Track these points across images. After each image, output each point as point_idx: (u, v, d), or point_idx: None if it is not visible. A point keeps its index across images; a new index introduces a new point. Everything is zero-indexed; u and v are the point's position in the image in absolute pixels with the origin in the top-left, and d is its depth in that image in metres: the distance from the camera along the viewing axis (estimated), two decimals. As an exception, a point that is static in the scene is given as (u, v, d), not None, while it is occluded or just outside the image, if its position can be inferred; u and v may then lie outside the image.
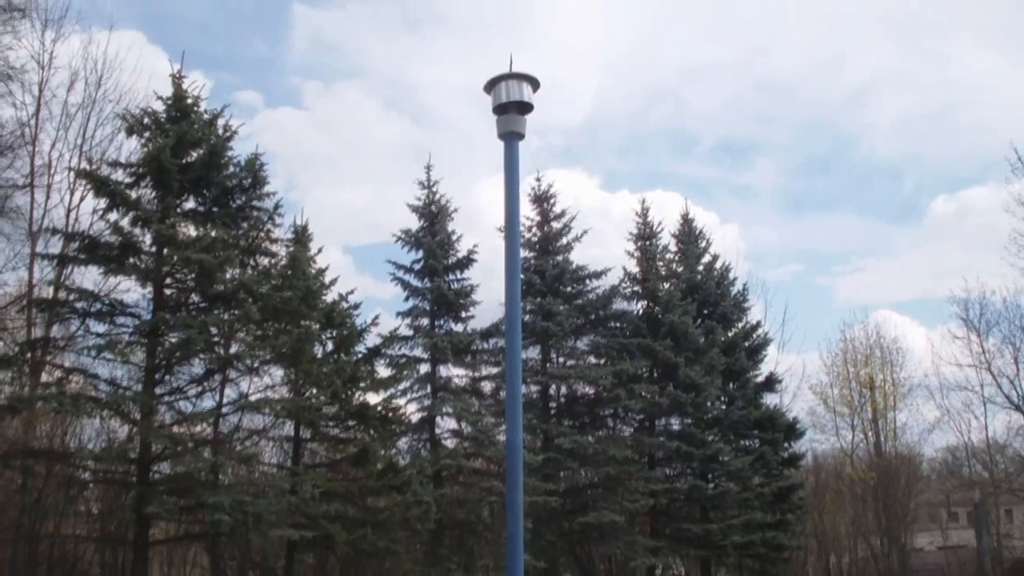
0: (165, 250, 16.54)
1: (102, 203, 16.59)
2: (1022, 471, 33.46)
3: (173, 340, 16.54)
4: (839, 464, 38.67)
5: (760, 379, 30.25)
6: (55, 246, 18.78)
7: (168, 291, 17.13)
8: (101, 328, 17.01)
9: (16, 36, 16.36)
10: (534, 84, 8.90)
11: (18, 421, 17.77)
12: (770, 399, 30.72)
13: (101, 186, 16.49)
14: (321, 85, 72.04)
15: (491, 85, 8.97)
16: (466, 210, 47.14)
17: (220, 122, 17.95)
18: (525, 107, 8.90)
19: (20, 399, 16.13)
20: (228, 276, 17.17)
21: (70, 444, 20.47)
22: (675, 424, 27.59)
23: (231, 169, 17.90)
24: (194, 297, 17.58)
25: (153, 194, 17.06)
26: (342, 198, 64.67)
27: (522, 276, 24.60)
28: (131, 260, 16.65)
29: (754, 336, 30.63)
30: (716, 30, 71.15)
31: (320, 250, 21.04)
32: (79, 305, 16.99)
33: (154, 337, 16.35)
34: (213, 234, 16.72)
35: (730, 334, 29.49)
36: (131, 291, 17.55)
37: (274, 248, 18.35)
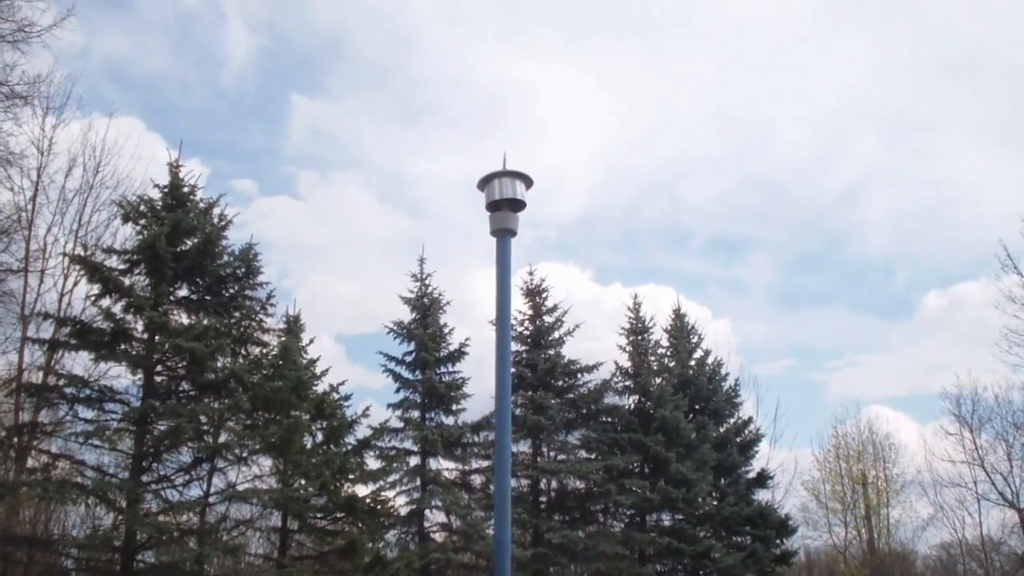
0: (157, 337, 16.47)
1: (95, 289, 16.58)
2: (1018, 569, 33.08)
3: (162, 428, 16.34)
4: (832, 561, 38.25)
5: (752, 475, 30.06)
6: (46, 331, 18.79)
7: (158, 378, 17.01)
8: (89, 414, 16.87)
9: (17, 122, 16.64)
10: (527, 182, 8.87)
11: (1, 506, 17.49)
12: (762, 495, 30.53)
13: (95, 272, 16.52)
14: (317, 175, 72.90)
15: (484, 182, 8.93)
16: (459, 302, 47.38)
17: (216, 211, 18.12)
18: (518, 204, 8.84)
19: (4, 485, 15.95)
20: (219, 365, 17.11)
21: (53, 531, 20.18)
22: (666, 520, 27.28)
23: (225, 258, 17.98)
24: (184, 385, 17.47)
25: (146, 281, 17.07)
26: (335, 288, 64.91)
27: (513, 370, 24.66)
28: (122, 347, 16.58)
29: (746, 431, 30.54)
30: (710, 127, 72.58)
31: (312, 340, 21.03)
32: (68, 390, 16.81)
33: (143, 424, 16.17)
34: (205, 322, 16.67)
35: (722, 429, 29.41)
36: (121, 377, 17.55)
37: (266, 338, 18.29)
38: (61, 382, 17.03)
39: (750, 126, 75.31)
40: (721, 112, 72.73)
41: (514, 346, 26.29)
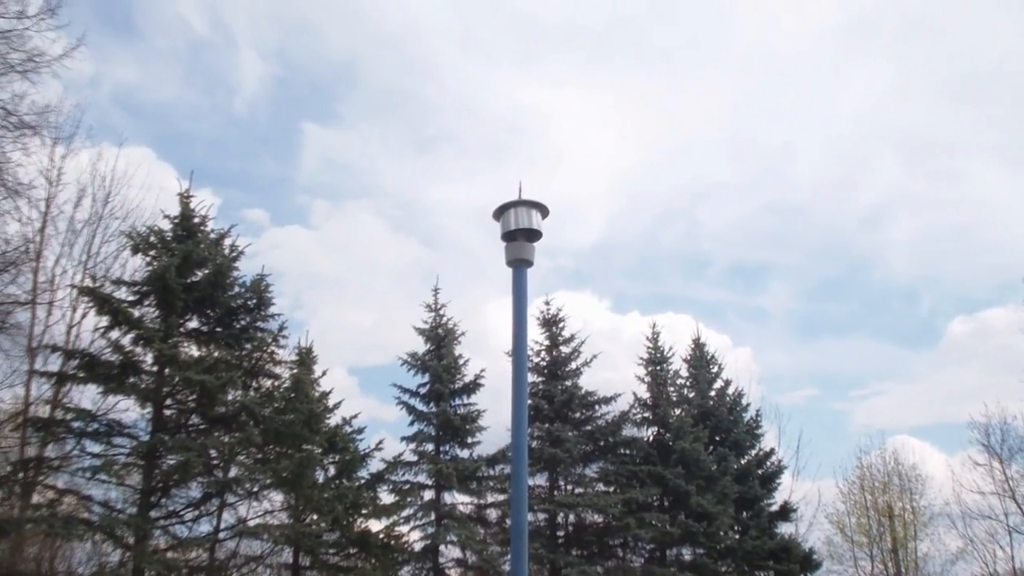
0: (166, 370, 16.39)
1: (104, 321, 16.55)
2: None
3: (171, 462, 16.23)
4: (858, 596, 37.44)
5: (774, 508, 29.54)
6: (54, 363, 18.71)
7: (168, 412, 16.92)
8: (97, 448, 16.75)
9: (26, 152, 16.51)
10: (543, 211, 8.77)
11: (6, 543, 17.32)
12: (785, 528, 29.95)
13: (103, 304, 16.44)
14: (330, 204, 72.58)
15: (500, 212, 8.85)
16: (473, 332, 46.96)
17: (227, 242, 18.16)
18: (534, 234, 8.76)
19: (9, 521, 15.77)
20: (230, 398, 17.07)
21: (59, 568, 19.97)
22: (687, 554, 26.77)
23: (236, 289, 17.99)
24: (194, 419, 17.35)
25: (156, 313, 17.03)
26: (348, 318, 64.48)
27: (530, 401, 24.29)
28: (131, 379, 16.44)
29: (768, 463, 30.06)
30: (727, 151, 71.89)
31: (324, 373, 20.98)
32: (75, 424, 16.70)
33: (151, 459, 16.05)
34: (216, 355, 16.67)
35: (743, 461, 28.94)
36: (130, 411, 17.32)
37: (277, 370, 18.28)
38: (68, 416, 16.94)
39: (768, 150, 74.70)
40: (739, 136, 72.15)
41: (530, 377, 25.86)
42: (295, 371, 18.80)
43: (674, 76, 74.27)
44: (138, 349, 16.54)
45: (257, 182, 77.65)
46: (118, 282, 17.77)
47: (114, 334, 16.48)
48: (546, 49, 72.67)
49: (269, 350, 18.13)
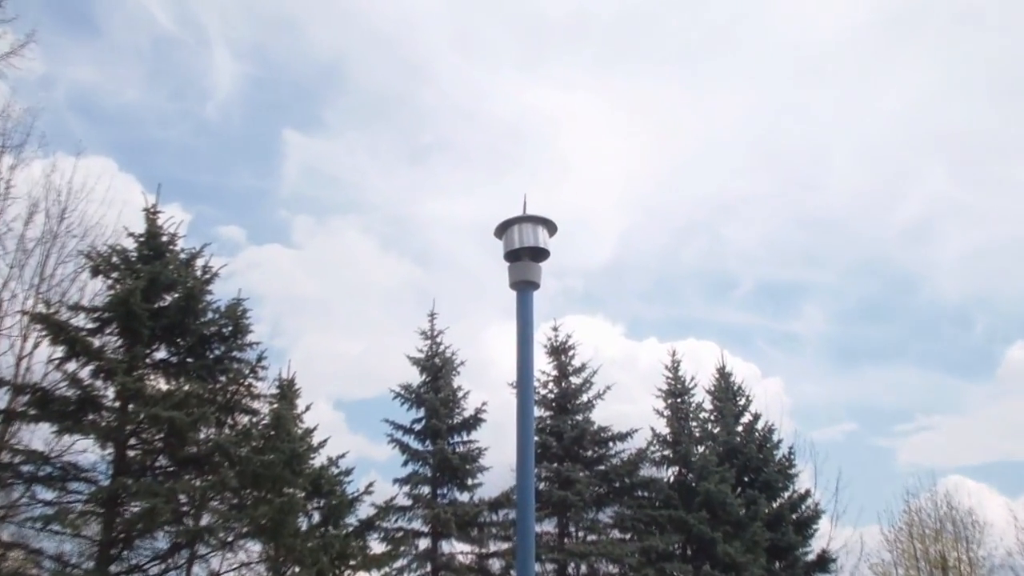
0: (130, 406, 16.18)
1: (59, 351, 16.32)
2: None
3: (135, 509, 15.97)
4: (907, 657, 37.03)
5: (811, 557, 29.28)
6: (1, 400, 18.40)
7: (131, 453, 16.72)
8: (50, 495, 16.51)
9: (-33, 163, 16.35)
10: (550, 227, 8.81)
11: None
12: (823, 581, 29.69)
13: (59, 332, 16.25)
14: (313, 220, 72.39)
15: (502, 228, 8.90)
16: (474, 362, 46.79)
17: (199, 262, 18.05)
18: (540, 253, 8.80)
19: (-54, 579, 15.61)
20: (202, 436, 16.95)
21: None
22: (713, 610, 26.63)
23: (209, 315, 17.87)
24: (161, 460, 17.18)
25: (119, 342, 16.88)
26: (334, 347, 64.20)
27: (536, 438, 24.20)
28: (90, 417, 16.27)
29: (803, 507, 29.81)
30: (754, 160, 71.50)
31: (308, 407, 20.81)
32: (25, 468, 16.45)
33: (112, 506, 15.82)
34: (186, 388, 16.52)
35: (775, 505, 28.71)
36: (88, 452, 17.10)
37: (256, 405, 18.18)
38: (17, 459, 16.62)
39: (799, 158, 74.52)
40: (766, 143, 71.99)
41: (537, 411, 26.09)
42: (275, 406, 18.62)
43: (693, 76, 74.42)
44: (98, 383, 16.36)
45: (232, 196, 77.54)
46: (75, 308, 17.52)
47: (71, 366, 16.27)
48: (553, 48, 72.90)
49: (246, 383, 18.02)
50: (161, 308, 17.17)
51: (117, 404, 16.46)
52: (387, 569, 20.75)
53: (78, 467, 16.75)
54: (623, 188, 73.58)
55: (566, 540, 25.44)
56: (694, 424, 28.76)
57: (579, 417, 26.40)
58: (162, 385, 17.00)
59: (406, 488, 23.92)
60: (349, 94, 77.94)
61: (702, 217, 74.78)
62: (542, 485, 24.92)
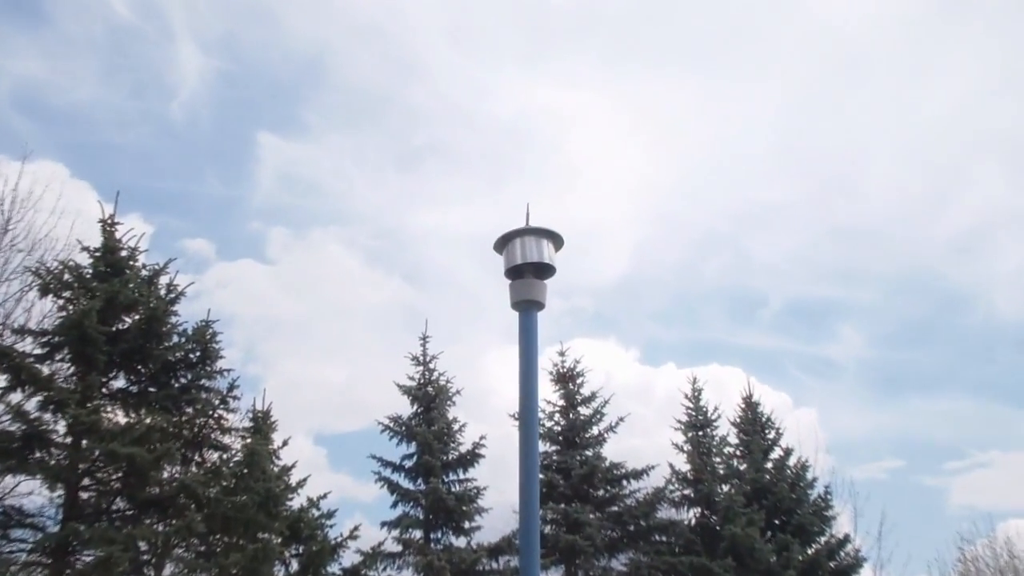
0: (84, 442, 16.10)
1: (2, 380, 16.23)
2: None
3: (88, 559, 15.82)
4: None
5: (850, 610, 29.10)
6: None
7: (85, 495, 16.67)
8: (-10, 543, 16.46)
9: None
10: (557, 241, 8.76)
11: None
12: (867, 637, 29.50)
13: (2, 359, 16.15)
14: (291, 233, 72.05)
15: (503, 243, 8.85)
16: (471, 390, 46.80)
17: (162, 280, 18.12)
18: (545, 270, 8.74)
19: None
20: (165, 476, 16.92)
21: None
22: (740, 670, 26.45)
23: (174, 339, 17.93)
24: (119, 503, 17.07)
25: (71, 370, 16.88)
26: (315, 374, 63.88)
27: (542, 476, 24.06)
28: (37, 455, 16.17)
29: (842, 554, 29.54)
30: (784, 165, 71.38)
31: (285, 442, 20.58)
32: (-40, 515, 16.48)
33: (62, 555, 15.70)
34: (148, 421, 16.42)
35: (810, 551, 28.49)
36: (35, 495, 17.12)
37: (226, 440, 18.30)
38: (-49, 504, 16.66)
39: (834, 162, 74.25)
40: (796, 145, 71.94)
41: (543, 446, 26.14)
42: (248, 441, 18.57)
43: (714, 72, 74.27)
44: (47, 416, 16.23)
45: (200, 206, 77.24)
46: (22, 331, 17.45)
47: (15, 397, 16.22)
48: (558, 42, 72.93)
49: (215, 415, 18.12)
50: (119, 331, 17.17)
51: (69, 440, 16.34)
52: (374, 623, 20.60)
53: (23, 511, 16.75)
54: (636, 197, 73.66)
55: (575, 590, 25.31)
56: (718, 460, 28.65)
57: (589, 452, 26.41)
58: (120, 418, 16.94)
59: (395, 532, 23.84)
60: (331, 92, 77.85)
61: (725, 228, 74.70)
62: (548, 528, 24.89)
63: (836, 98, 71.81)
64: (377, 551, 22.23)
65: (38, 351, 16.87)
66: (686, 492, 27.66)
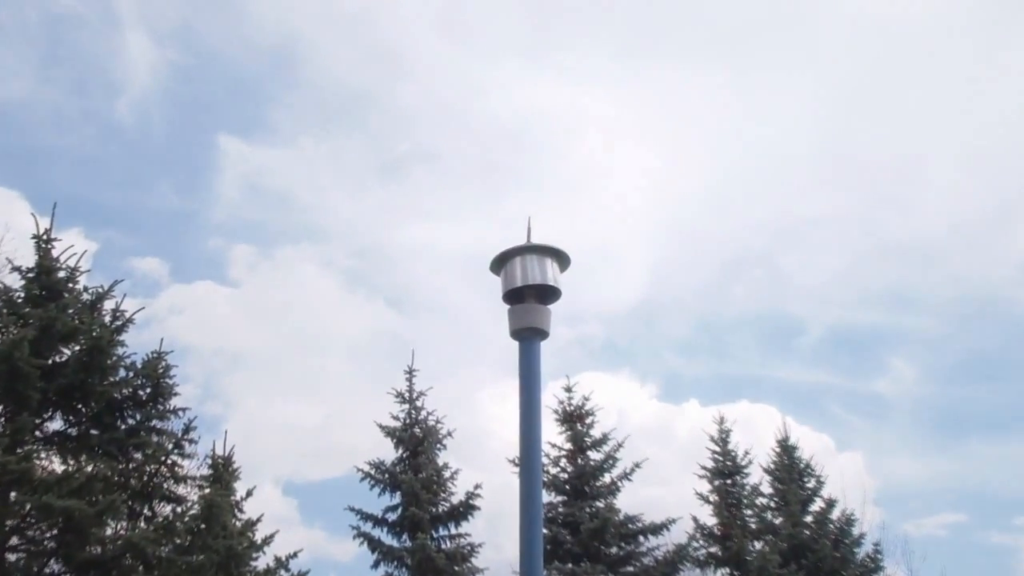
0: (13, 494, 15.91)
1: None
2: None
3: (16, 633, 15.88)
4: None
5: None
6: None
7: (13, 556, 16.48)
8: None
9: None
10: (562, 260, 8.73)
11: None
12: None
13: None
14: (256, 251, 71.62)
15: (501, 262, 8.80)
16: (465, 432, 46.38)
17: (107, 305, 17.97)
18: (549, 293, 8.69)
19: None
20: (109, 532, 16.73)
21: None
22: None
23: (121, 374, 17.72)
24: (54, 565, 16.88)
25: (-1, 410, 16.78)
26: (284, 414, 63.52)
27: (546, 530, 23.95)
28: (-43, 509, 16.14)
29: (894, 622, 29.56)
30: (825, 173, 70.94)
31: (250, 492, 20.49)
32: None
33: (-18, 631, 15.62)
34: (89, 469, 16.24)
35: (856, 618, 28.46)
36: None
37: (181, 490, 18.14)
38: None
39: (885, 170, 74.09)
40: (841, 151, 71.41)
41: (547, 496, 26.18)
42: (206, 492, 18.36)
43: (746, 65, 74.23)
44: (-32, 462, 16.21)
45: (151, 220, 76.89)
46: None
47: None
48: (565, 32, 73.02)
49: (168, 462, 17.98)
50: (56, 365, 16.99)
51: (-6, 491, 16.30)
52: None
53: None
54: (654, 209, 73.60)
55: (585, 664, 25.23)
56: (749, 513, 28.72)
57: (600, 503, 26.32)
58: (56, 466, 16.85)
59: (378, 597, 23.75)
60: (304, 89, 77.60)
61: (757, 245, 74.51)
62: (554, 591, 24.71)
63: (888, 94, 71.55)
64: (356, 619, 22.31)
65: (-43, 388, 16.90)
66: (713, 550, 27.82)
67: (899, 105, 70.75)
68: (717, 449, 29.03)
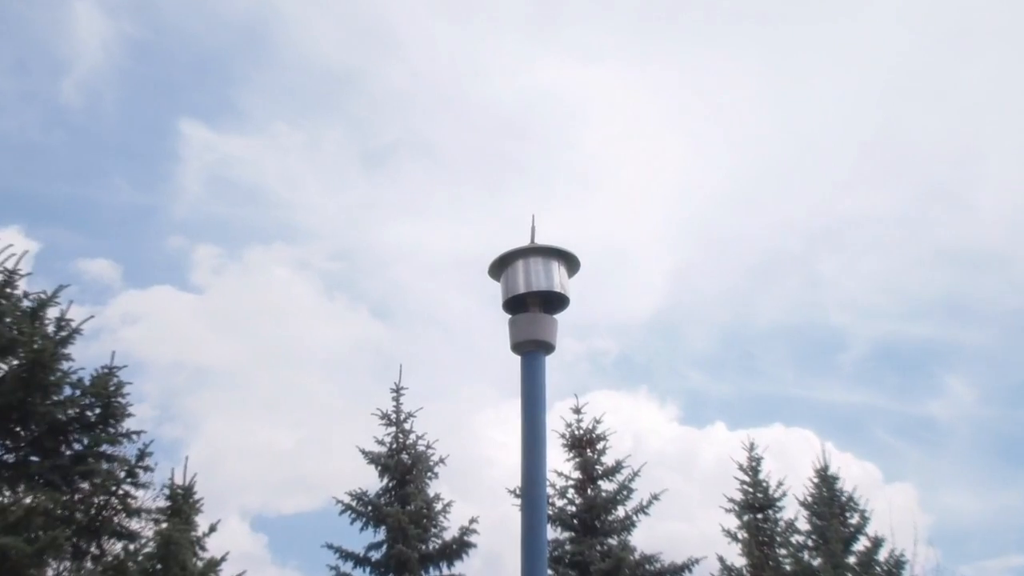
0: (-59, 529, 15.90)
1: None
2: None
3: None
4: None
5: None
6: None
7: None
8: None
9: None
10: (571, 264, 8.68)
11: None
12: None
13: None
14: (223, 252, 71.22)
15: (501, 266, 8.77)
16: (459, 458, 46.07)
17: (51, 313, 17.84)
18: (556, 301, 8.66)
19: None
20: (51, 573, 16.61)
21: None
22: None
23: (66, 392, 17.65)
24: (-11, 610, 16.80)
25: (-74, 434, 16.69)
26: (253, 437, 63.15)
27: (551, 572, 23.78)
28: None
29: (949, 677, 29.40)
30: (867, 169, 70.82)
31: (213, 527, 20.45)
32: None
33: None
34: (28, 501, 16.13)
35: (907, 673, 28.35)
36: None
37: (134, 525, 18.05)
38: None
39: (937, 164, 73.94)
40: (885, 142, 71.31)
41: (552, 531, 26.17)
42: (164, 526, 18.39)
43: (780, 45, 74.17)
44: None
45: (102, 216, 76.57)
46: None
47: None
48: (575, 6, 72.94)
49: (120, 492, 17.95)
50: (-8, 381, 16.95)
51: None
52: None
53: None
54: (675, 207, 73.51)
55: None
56: (783, 553, 28.61)
57: (613, 541, 26.18)
58: (-8, 496, 16.78)
59: (360, 646, 23.83)
60: (277, 70, 77.05)
61: (792, 249, 74.17)
62: (561, 641, 24.64)
63: (942, 80, 71.59)
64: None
65: None
66: (742, 593, 27.43)
67: (954, 92, 70.76)
68: (746, 479, 28.95)
